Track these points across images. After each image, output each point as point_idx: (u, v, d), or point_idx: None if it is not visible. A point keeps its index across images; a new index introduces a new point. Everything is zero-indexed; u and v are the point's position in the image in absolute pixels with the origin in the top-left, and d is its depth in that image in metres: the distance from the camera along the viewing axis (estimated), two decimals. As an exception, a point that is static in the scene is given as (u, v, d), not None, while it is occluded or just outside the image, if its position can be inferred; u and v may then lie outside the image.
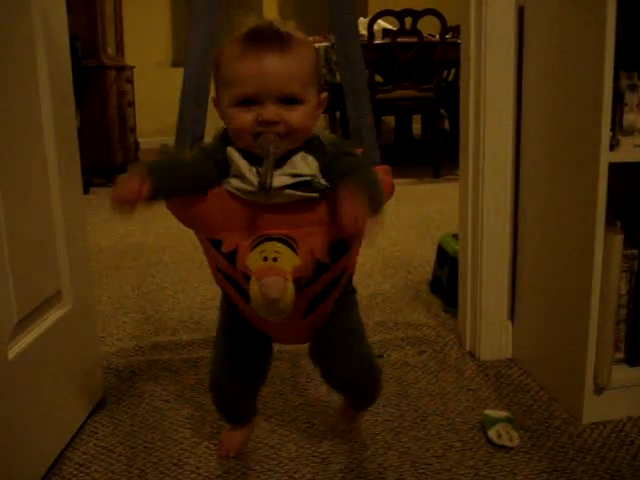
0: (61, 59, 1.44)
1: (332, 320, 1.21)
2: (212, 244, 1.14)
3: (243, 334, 1.24)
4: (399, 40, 4.52)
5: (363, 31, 4.93)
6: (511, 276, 1.77)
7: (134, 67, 6.19)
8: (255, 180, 1.03)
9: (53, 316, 1.38)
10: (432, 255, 2.39)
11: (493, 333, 1.79)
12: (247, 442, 1.41)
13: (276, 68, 1.01)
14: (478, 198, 1.74)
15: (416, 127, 6.35)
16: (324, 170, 1.07)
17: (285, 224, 1.06)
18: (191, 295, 2.40)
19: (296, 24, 1.10)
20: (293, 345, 1.45)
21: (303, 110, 1.05)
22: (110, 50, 5.36)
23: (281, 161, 1.05)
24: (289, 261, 1.02)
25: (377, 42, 4.63)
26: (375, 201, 1.00)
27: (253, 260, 1.03)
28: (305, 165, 1.06)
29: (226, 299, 1.27)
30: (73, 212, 1.46)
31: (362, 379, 1.28)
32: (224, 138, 1.11)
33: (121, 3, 5.82)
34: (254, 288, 1.01)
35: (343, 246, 1.12)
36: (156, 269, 2.74)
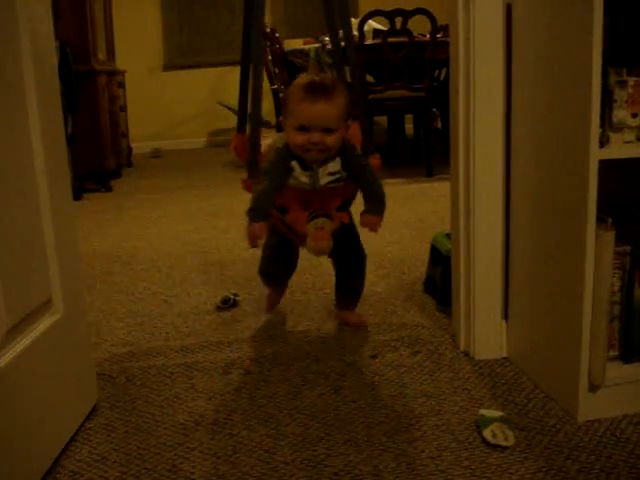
0: (48, 64, 1.43)
1: (342, 231, 1.87)
2: (280, 211, 1.85)
3: (284, 242, 2.00)
4: (390, 40, 4.52)
5: (354, 32, 4.93)
6: (504, 275, 1.77)
7: (125, 72, 6.19)
8: (307, 180, 1.76)
9: (44, 324, 1.38)
10: (426, 254, 2.38)
11: (487, 332, 1.79)
12: (279, 302, 2.22)
13: (322, 111, 1.67)
14: (469, 197, 1.74)
15: (408, 127, 6.35)
16: (344, 164, 1.78)
17: (322, 199, 1.80)
18: (184, 300, 2.39)
19: (333, 77, 1.95)
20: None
21: (336, 136, 1.71)
22: (101, 55, 5.35)
23: (320, 165, 1.76)
24: (329, 227, 1.76)
25: (368, 42, 4.63)
26: (384, 206, 1.85)
27: (310, 227, 1.75)
28: (334, 165, 1.77)
29: (274, 231, 1.99)
30: (63, 219, 1.46)
31: (355, 264, 2.07)
32: (288, 149, 1.76)
33: (111, 8, 5.80)
34: (311, 244, 1.76)
35: (347, 203, 1.91)
36: (149, 274, 2.73)
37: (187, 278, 2.65)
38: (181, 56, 7.47)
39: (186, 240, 3.19)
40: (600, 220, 1.39)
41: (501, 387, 1.64)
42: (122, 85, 6.05)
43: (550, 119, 1.50)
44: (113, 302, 2.40)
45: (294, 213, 1.82)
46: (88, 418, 1.56)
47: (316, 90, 1.69)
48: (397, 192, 4.17)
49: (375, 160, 1.87)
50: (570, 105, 1.41)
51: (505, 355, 1.79)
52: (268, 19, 7.24)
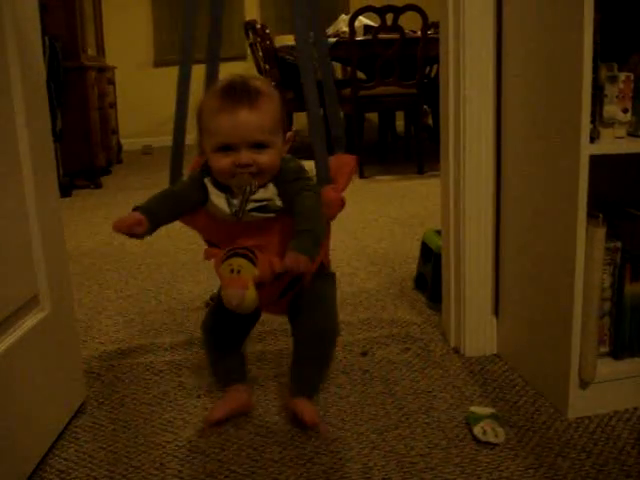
0: (34, 60, 1.41)
1: (306, 296, 1.47)
2: (208, 243, 1.48)
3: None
4: (380, 36, 4.51)
5: (345, 28, 4.92)
6: (494, 271, 1.76)
7: (115, 68, 6.16)
8: (226, 208, 1.35)
9: (30, 321, 1.36)
10: (416, 251, 2.38)
11: (478, 329, 1.78)
12: (234, 412, 1.51)
13: (246, 120, 1.30)
14: (459, 193, 1.73)
15: (399, 124, 6.35)
16: (282, 192, 1.35)
17: (252, 235, 1.36)
18: (174, 296, 2.38)
19: (264, 77, 1.51)
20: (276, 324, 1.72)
21: (271, 153, 1.33)
22: (90, 51, 5.32)
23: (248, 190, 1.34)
24: (249, 272, 1.31)
25: (359, 39, 4.61)
26: (316, 244, 1.29)
27: (224, 270, 1.33)
28: (265, 192, 1.35)
29: None
30: (49, 215, 1.44)
31: (319, 338, 1.46)
32: (205, 169, 1.41)
33: (100, 3, 5.78)
34: (222, 294, 1.33)
35: None
36: (139, 271, 2.72)
37: (177, 275, 2.64)
38: (172, 52, 7.44)
39: (176, 237, 3.16)
40: (591, 216, 1.38)
41: (491, 384, 1.64)
42: (112, 81, 6.02)
43: (541, 114, 1.49)
44: (102, 299, 2.38)
45: (209, 250, 1.43)
46: (75, 416, 1.55)
47: (235, 95, 1.32)
48: (388, 189, 4.17)
49: (331, 193, 1.39)
50: (561, 100, 1.40)
51: (495, 352, 1.79)
52: (259, 15, 7.23)
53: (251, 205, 1.34)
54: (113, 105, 5.96)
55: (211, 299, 2.24)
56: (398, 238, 3.04)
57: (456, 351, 1.81)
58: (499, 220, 1.73)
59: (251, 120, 1.30)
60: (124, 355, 1.89)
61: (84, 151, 4.92)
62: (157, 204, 1.40)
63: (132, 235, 1.34)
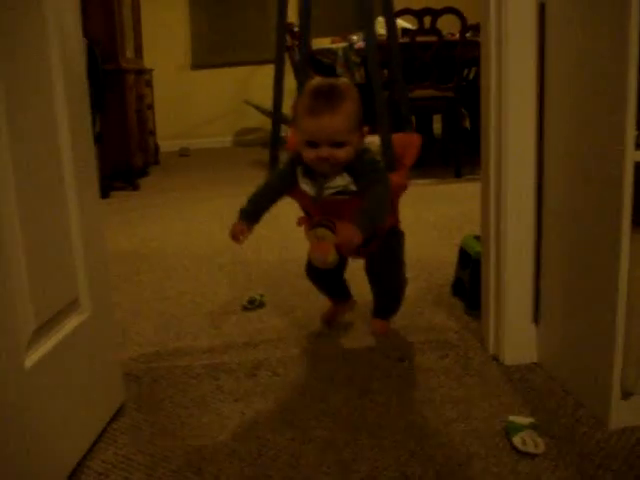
0: (76, 63, 1.42)
1: (379, 251, 1.80)
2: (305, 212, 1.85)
3: None
4: (418, 39, 4.48)
5: (381, 30, 4.90)
6: (535, 278, 1.74)
7: (153, 70, 6.20)
8: (310, 191, 1.68)
9: (71, 323, 1.37)
10: (454, 257, 2.35)
11: (517, 336, 1.76)
12: (341, 316, 2.10)
13: (327, 126, 1.56)
14: (500, 198, 1.71)
15: (436, 127, 6.31)
16: (357, 180, 1.63)
17: (332, 211, 1.66)
18: (211, 299, 2.38)
19: (348, 81, 1.90)
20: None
21: (347, 149, 1.60)
22: (129, 54, 5.37)
23: (328, 177, 1.65)
24: (330, 239, 1.60)
25: (396, 42, 4.58)
26: (371, 224, 1.58)
27: (311, 237, 1.64)
28: (341, 180, 1.64)
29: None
30: (90, 217, 1.45)
31: (389, 288, 1.89)
32: (295, 159, 1.71)
33: (139, 7, 5.82)
34: (310, 254, 1.66)
35: None
36: (177, 273, 2.73)
37: (214, 278, 2.65)
38: (209, 55, 7.49)
39: (213, 239, 3.18)
40: (635, 224, 1.36)
41: (531, 393, 1.61)
42: (150, 84, 6.06)
43: (584, 119, 1.47)
44: (140, 302, 2.40)
45: (302, 218, 1.82)
46: (114, 419, 1.56)
47: (319, 103, 1.58)
48: (425, 193, 4.14)
49: (396, 179, 1.70)
50: (605, 106, 1.37)
51: (535, 360, 1.76)
52: (296, 19, 7.23)
53: (331, 190, 1.65)
54: (151, 107, 6.01)
55: (249, 302, 2.24)
56: (435, 243, 3.02)
57: (495, 359, 1.79)
58: (540, 225, 1.70)
59: (331, 125, 1.56)
60: (162, 358, 1.90)
61: (122, 153, 4.97)
62: (256, 203, 1.75)
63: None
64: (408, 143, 1.86)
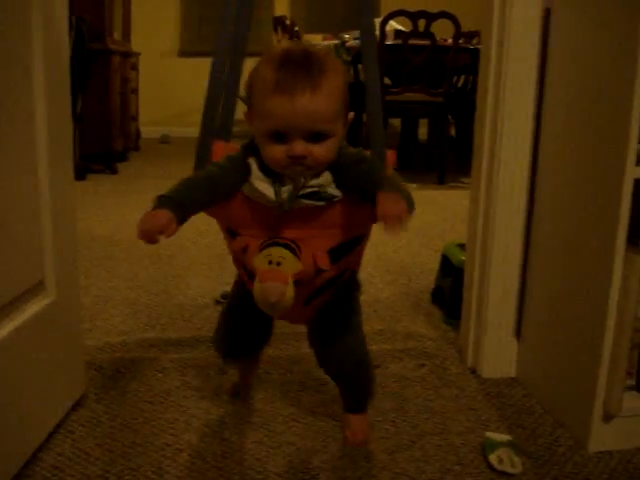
0: (59, 37, 1.35)
1: (328, 310, 1.26)
2: (230, 234, 1.22)
3: (249, 309, 1.17)
4: (411, 42, 4.43)
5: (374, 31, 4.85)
6: (520, 291, 1.69)
7: (139, 54, 6.11)
8: (271, 195, 1.11)
9: (34, 307, 1.30)
10: (434, 263, 2.31)
11: (497, 350, 1.71)
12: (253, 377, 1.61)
13: (307, 108, 1.05)
14: (490, 208, 1.66)
15: (422, 131, 6.27)
16: (338, 179, 1.13)
17: (295, 227, 1.13)
18: (184, 291, 2.31)
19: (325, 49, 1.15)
20: (293, 327, 1.45)
21: (330, 144, 1.10)
22: (116, 35, 5.28)
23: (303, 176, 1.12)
24: (292, 266, 1.09)
25: (388, 43, 4.54)
26: (409, 198, 1.09)
27: (259, 261, 1.10)
28: (317, 178, 1.12)
29: (240, 278, 1.34)
30: (62, 198, 1.38)
31: (351, 371, 1.28)
32: (249, 146, 1.16)
33: (130, -12, 5.74)
34: (257, 288, 1.06)
35: (345, 248, 1.19)
36: (150, 261, 2.66)
37: (188, 269, 2.57)
38: (198, 43, 7.39)
39: (189, 229, 3.10)
40: (630, 243, 1.31)
41: (509, 409, 1.56)
42: (135, 67, 5.97)
43: (584, 133, 1.42)
44: (110, 288, 2.32)
45: (243, 238, 1.18)
46: (73, 409, 1.49)
47: (291, 75, 1.05)
48: (407, 197, 4.09)
49: (392, 155, 1.29)
50: (606, 120, 1.33)
51: (513, 375, 1.72)
52: (288, 11, 7.17)
53: (302, 191, 1.12)
54: (135, 91, 5.92)
55: (222, 297, 2.17)
56: (415, 248, 2.97)
57: (472, 371, 1.74)
58: (529, 237, 1.65)
59: (312, 108, 1.05)
60: (128, 348, 1.83)
61: (102, 135, 4.87)
62: (187, 192, 1.14)
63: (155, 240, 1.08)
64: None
